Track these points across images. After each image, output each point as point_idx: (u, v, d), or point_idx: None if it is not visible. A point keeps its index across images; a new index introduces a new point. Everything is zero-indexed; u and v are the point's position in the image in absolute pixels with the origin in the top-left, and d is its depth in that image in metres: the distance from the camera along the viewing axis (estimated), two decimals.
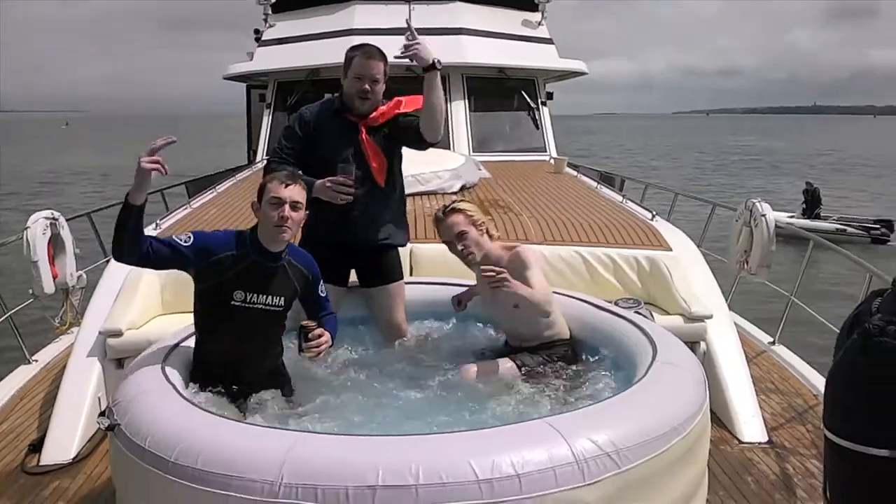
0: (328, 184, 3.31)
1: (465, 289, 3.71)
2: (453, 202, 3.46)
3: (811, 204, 19.74)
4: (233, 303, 2.90)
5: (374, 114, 3.49)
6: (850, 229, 17.40)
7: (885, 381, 2.30)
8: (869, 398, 2.36)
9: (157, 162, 2.63)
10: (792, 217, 17.07)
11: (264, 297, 2.95)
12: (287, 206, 2.88)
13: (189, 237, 2.89)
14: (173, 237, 2.89)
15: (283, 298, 3.00)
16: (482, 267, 3.13)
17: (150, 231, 5.07)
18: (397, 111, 3.51)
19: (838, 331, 2.55)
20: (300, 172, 3.43)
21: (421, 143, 3.51)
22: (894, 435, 2.35)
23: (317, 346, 3.00)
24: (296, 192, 2.93)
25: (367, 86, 3.40)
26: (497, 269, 3.02)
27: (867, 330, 2.32)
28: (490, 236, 3.41)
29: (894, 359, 2.26)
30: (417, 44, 3.31)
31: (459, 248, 3.35)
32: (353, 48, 3.49)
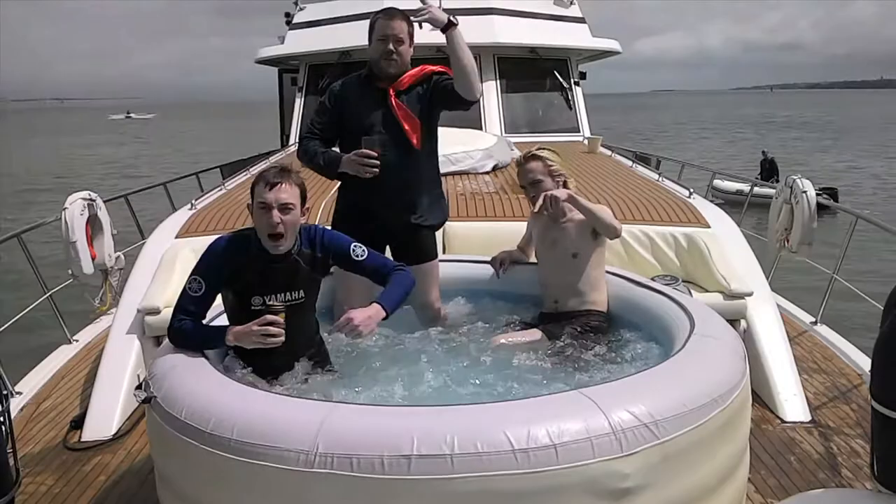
0: (353, 157, 3.28)
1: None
2: (537, 148, 3.51)
3: (768, 172, 19.92)
4: (252, 308, 2.82)
5: (403, 77, 3.44)
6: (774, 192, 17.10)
7: None
8: None
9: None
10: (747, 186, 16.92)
11: (282, 294, 2.84)
12: (276, 212, 2.70)
13: (199, 283, 2.79)
14: (189, 292, 2.79)
15: (301, 291, 2.89)
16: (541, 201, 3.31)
17: (185, 210, 5.14)
18: (427, 70, 3.48)
19: (882, 307, 2.47)
20: (334, 148, 3.44)
21: (460, 103, 3.44)
22: None
23: (352, 332, 2.80)
24: (284, 193, 2.71)
25: (391, 46, 3.37)
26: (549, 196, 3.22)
27: None
28: (566, 188, 3.46)
29: None
30: (428, 8, 3.31)
31: (532, 195, 3.43)
32: (377, 12, 3.47)
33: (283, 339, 2.72)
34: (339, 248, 2.97)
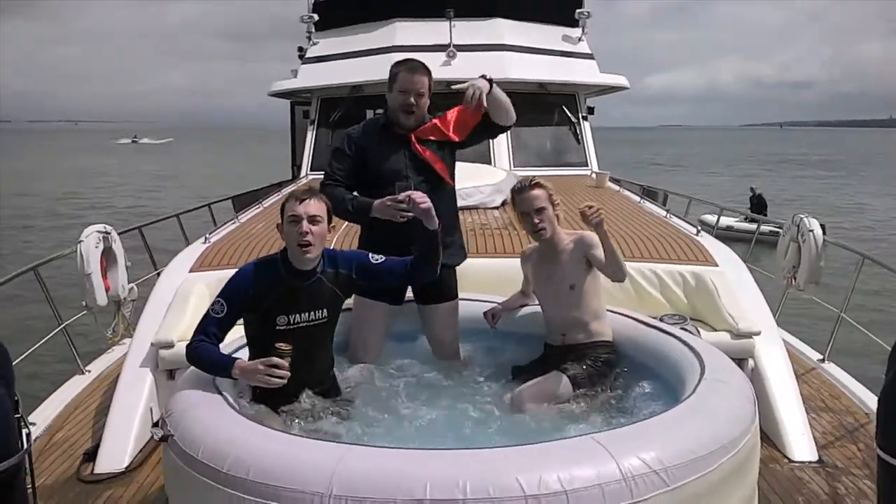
0: (388, 202, 3.30)
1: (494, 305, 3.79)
2: (535, 178, 3.55)
3: (756, 208, 20.05)
4: (277, 328, 2.95)
5: (424, 127, 3.51)
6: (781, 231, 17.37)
7: None
8: None
9: None
10: (736, 221, 16.89)
11: (307, 314, 3.00)
12: (305, 222, 2.90)
13: (221, 304, 2.94)
14: (211, 313, 2.95)
15: (325, 310, 3.05)
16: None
17: (199, 244, 5.21)
18: (448, 134, 3.54)
19: (890, 348, 2.50)
20: (355, 194, 3.49)
21: (496, 131, 3.64)
22: None
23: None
24: (313, 206, 2.94)
25: (411, 99, 3.44)
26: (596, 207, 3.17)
27: None
28: (558, 220, 3.52)
29: None
30: (471, 86, 3.38)
31: (536, 220, 3.44)
32: (398, 63, 3.53)
33: (285, 381, 2.80)
34: (359, 260, 3.14)
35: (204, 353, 2.89)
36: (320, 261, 3.05)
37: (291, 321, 2.97)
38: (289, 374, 2.80)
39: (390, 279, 3.18)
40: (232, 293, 2.96)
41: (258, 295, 2.94)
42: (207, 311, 2.98)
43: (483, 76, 3.44)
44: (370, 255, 3.14)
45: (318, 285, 3.03)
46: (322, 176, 3.63)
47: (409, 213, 3.28)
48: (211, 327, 2.93)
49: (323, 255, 3.06)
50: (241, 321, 3.07)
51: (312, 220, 2.92)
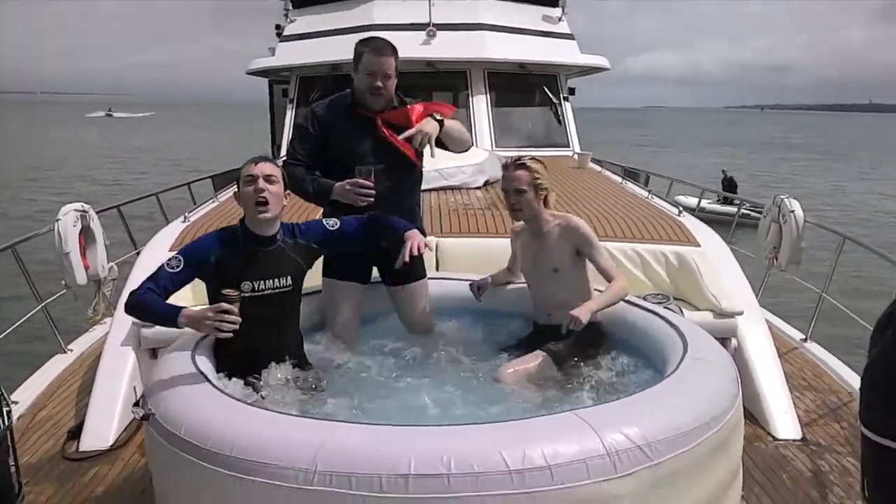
0: (347, 186, 3.24)
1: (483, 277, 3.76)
2: (525, 159, 3.49)
3: (727, 191, 20.22)
4: (243, 294, 2.87)
5: (393, 114, 3.41)
6: (753, 213, 17.63)
7: None
8: None
9: None
10: (708, 203, 16.94)
11: (271, 280, 2.99)
12: (261, 180, 2.92)
13: (178, 260, 2.88)
14: (166, 268, 2.86)
15: (289, 277, 3.04)
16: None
17: (179, 223, 5.16)
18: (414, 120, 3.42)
19: (871, 327, 2.52)
20: (318, 174, 3.40)
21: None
22: None
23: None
24: (267, 167, 2.96)
25: (378, 82, 3.32)
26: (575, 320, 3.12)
27: None
28: (546, 204, 3.47)
29: None
30: (421, 133, 3.27)
31: (512, 201, 3.42)
32: (363, 42, 3.40)
33: (236, 327, 2.66)
34: (316, 229, 3.17)
35: (149, 301, 2.79)
36: (279, 229, 3.05)
37: (256, 287, 2.95)
38: (239, 319, 2.66)
39: (351, 245, 3.23)
40: (191, 254, 2.92)
41: (219, 262, 2.92)
42: (161, 264, 2.90)
43: (432, 116, 3.35)
44: (324, 222, 3.19)
45: (279, 253, 3.03)
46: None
47: (370, 198, 3.24)
48: (162, 280, 2.85)
49: (282, 226, 3.07)
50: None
51: (268, 179, 2.93)
